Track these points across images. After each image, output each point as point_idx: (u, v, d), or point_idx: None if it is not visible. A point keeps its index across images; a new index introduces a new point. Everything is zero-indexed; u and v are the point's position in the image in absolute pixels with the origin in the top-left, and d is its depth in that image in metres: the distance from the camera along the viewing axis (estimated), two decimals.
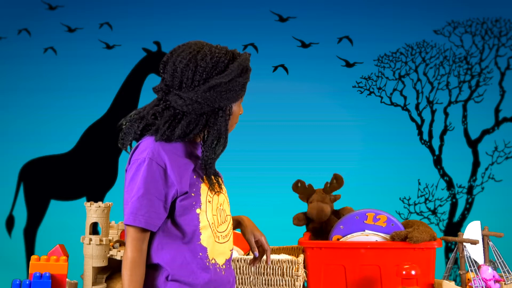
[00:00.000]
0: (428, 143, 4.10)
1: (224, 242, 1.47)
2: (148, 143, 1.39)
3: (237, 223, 1.64)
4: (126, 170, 1.43)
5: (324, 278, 2.00)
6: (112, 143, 4.10)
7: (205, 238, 1.40)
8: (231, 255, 1.52)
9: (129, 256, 1.35)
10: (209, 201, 1.44)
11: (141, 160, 1.36)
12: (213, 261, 1.43)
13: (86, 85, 4.19)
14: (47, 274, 1.74)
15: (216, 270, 1.43)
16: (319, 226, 2.19)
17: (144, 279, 1.40)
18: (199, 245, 1.40)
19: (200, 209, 1.40)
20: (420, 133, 4.11)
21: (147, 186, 1.34)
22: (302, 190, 2.26)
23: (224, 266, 1.47)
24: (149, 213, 1.34)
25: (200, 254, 1.40)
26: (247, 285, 1.96)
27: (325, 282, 2.00)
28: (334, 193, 2.26)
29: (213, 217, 1.44)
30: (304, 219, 2.23)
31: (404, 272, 1.81)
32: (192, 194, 1.40)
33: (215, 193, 1.46)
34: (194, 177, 1.42)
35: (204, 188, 1.43)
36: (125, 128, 1.45)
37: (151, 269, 1.40)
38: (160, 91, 1.43)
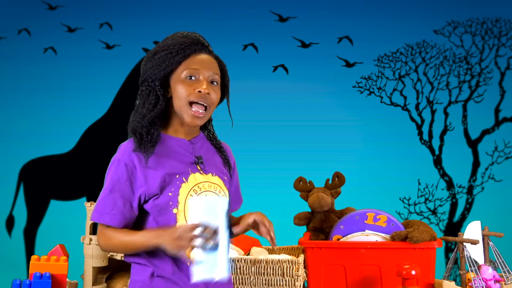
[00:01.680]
0: (428, 143, 4.10)
1: None
2: (123, 145, 1.44)
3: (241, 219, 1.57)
4: None
5: (324, 278, 2.00)
6: (112, 143, 4.10)
7: None
8: None
9: (102, 244, 1.42)
10: None
11: (112, 161, 1.42)
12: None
13: (86, 85, 4.19)
14: (47, 274, 1.74)
15: None
16: (320, 226, 2.19)
17: (135, 274, 1.44)
18: None
19: (177, 209, 1.40)
20: (420, 133, 4.11)
21: (113, 185, 1.39)
22: (303, 187, 2.26)
23: None
24: (113, 211, 1.38)
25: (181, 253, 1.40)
26: (247, 285, 1.96)
27: (325, 282, 2.00)
28: None
29: None
30: (305, 218, 2.23)
31: (404, 272, 1.81)
32: (169, 194, 1.40)
33: (201, 192, 1.44)
34: (177, 176, 1.42)
35: (185, 187, 1.42)
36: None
37: (138, 266, 1.43)
38: None
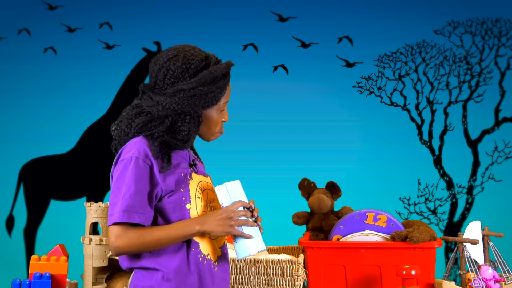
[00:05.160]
0: (428, 143, 4.10)
1: (215, 239, 1.50)
2: (133, 143, 1.42)
3: None
4: (111, 174, 1.45)
5: (324, 278, 2.00)
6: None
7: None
8: (223, 253, 1.54)
9: (123, 245, 1.36)
10: (198, 197, 1.47)
11: (127, 160, 1.39)
12: (208, 257, 1.46)
13: (86, 85, 4.19)
14: (47, 274, 1.74)
15: (210, 266, 1.46)
16: (319, 226, 2.19)
17: (140, 279, 1.41)
18: (193, 241, 1.43)
19: (190, 204, 1.44)
20: (420, 133, 4.11)
21: (137, 184, 1.37)
22: (307, 188, 2.26)
23: (217, 263, 1.49)
24: (142, 209, 1.37)
25: (193, 249, 1.43)
26: (247, 285, 1.96)
27: (325, 282, 2.00)
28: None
29: (203, 213, 1.47)
30: (303, 217, 2.23)
31: (404, 272, 1.81)
32: (181, 190, 1.43)
33: (204, 190, 1.50)
34: (182, 175, 1.45)
35: (192, 185, 1.47)
36: (114, 135, 1.51)
37: (147, 270, 1.42)
38: (140, 91, 1.50)
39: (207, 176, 1.58)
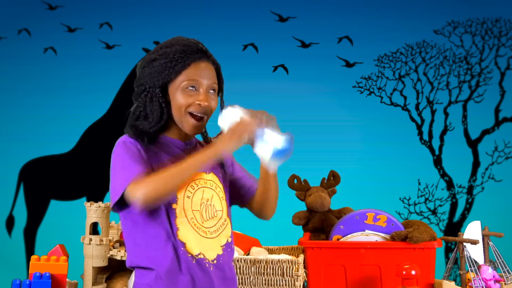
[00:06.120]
0: (428, 143, 4.10)
1: (214, 237, 1.47)
2: (122, 138, 1.47)
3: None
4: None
5: (324, 278, 2.00)
6: (112, 143, 4.09)
7: (184, 233, 1.40)
8: (225, 252, 1.49)
9: (145, 192, 1.32)
10: (188, 197, 1.44)
11: (116, 146, 1.44)
12: (199, 256, 1.42)
13: (86, 85, 4.19)
14: (47, 274, 1.74)
15: (203, 266, 1.42)
16: (319, 226, 2.19)
17: (139, 277, 1.44)
18: (178, 240, 1.41)
19: (176, 204, 1.41)
20: (420, 133, 4.11)
21: (130, 155, 1.39)
22: (299, 186, 2.26)
23: (215, 261, 1.45)
24: (138, 165, 1.38)
25: (182, 249, 1.41)
26: (247, 285, 1.96)
27: (325, 282, 2.00)
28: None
29: (193, 212, 1.43)
30: (304, 218, 2.23)
31: (404, 272, 1.81)
32: None
33: (198, 189, 1.46)
34: None
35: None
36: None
37: (142, 269, 1.42)
38: None
39: (209, 173, 1.53)
